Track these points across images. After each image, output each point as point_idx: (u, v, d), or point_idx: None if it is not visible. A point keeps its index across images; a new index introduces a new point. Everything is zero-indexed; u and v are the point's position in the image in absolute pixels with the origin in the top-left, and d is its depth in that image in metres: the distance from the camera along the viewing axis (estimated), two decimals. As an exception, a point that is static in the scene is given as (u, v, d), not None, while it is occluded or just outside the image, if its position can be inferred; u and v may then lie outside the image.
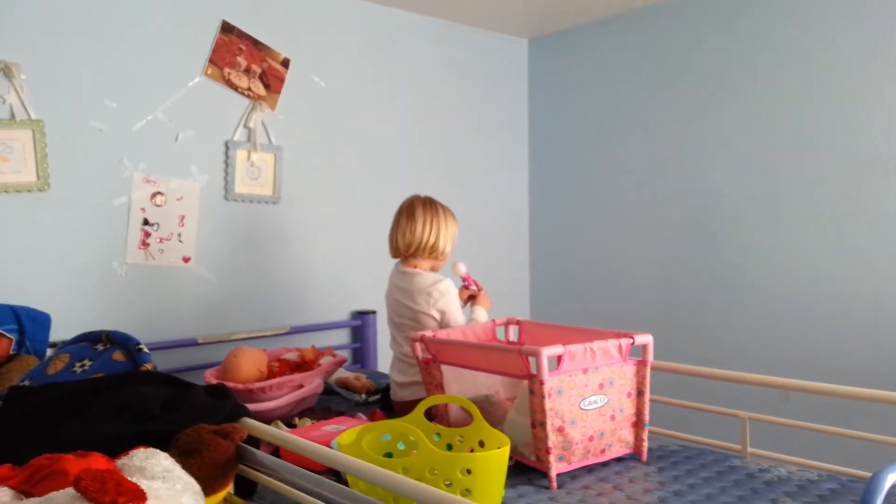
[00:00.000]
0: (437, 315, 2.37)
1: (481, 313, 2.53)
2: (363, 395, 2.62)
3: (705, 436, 2.10)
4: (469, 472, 1.41)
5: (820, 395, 1.95)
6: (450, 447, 1.69)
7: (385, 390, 2.59)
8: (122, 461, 1.27)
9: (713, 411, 2.05)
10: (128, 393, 1.53)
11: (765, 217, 3.12)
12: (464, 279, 2.57)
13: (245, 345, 2.81)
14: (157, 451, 1.30)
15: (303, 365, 2.50)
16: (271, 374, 2.39)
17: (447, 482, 1.41)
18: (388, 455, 1.67)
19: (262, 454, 1.38)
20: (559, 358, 1.75)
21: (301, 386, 2.32)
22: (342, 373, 2.81)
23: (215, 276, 2.92)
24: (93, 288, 2.63)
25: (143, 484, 1.13)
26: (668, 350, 3.29)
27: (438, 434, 1.71)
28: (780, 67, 3.06)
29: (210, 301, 2.91)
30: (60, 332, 2.49)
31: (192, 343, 2.80)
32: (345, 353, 3.31)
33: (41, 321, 2.35)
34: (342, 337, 3.34)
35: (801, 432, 1.96)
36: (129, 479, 1.21)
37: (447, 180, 3.70)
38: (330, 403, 2.56)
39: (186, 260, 2.85)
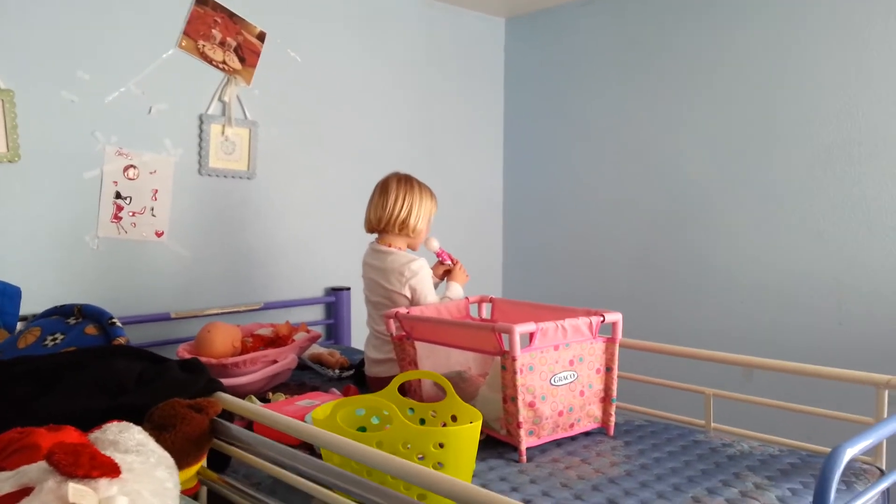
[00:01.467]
0: (408, 293, 2.38)
1: (456, 289, 2.55)
2: (336, 371, 2.64)
3: (671, 412, 2.16)
4: (442, 446, 1.44)
5: (781, 373, 2.01)
6: (423, 422, 1.72)
7: (359, 366, 2.61)
8: (94, 435, 1.27)
9: (678, 387, 2.10)
10: (101, 367, 1.53)
11: (733, 200, 3.18)
12: (438, 255, 2.59)
13: (218, 320, 2.82)
14: (131, 424, 1.30)
15: (277, 340, 2.51)
16: (245, 350, 2.39)
17: (420, 456, 1.44)
18: (362, 429, 1.69)
19: (236, 428, 1.39)
20: (531, 335, 1.78)
21: (275, 361, 2.33)
22: (316, 348, 2.82)
23: (189, 251, 2.91)
24: (64, 261, 2.61)
25: (118, 458, 1.13)
26: (637, 329, 3.36)
27: (412, 409, 1.73)
28: (751, 52, 3.09)
29: (183, 276, 2.90)
30: (31, 305, 2.47)
31: (164, 318, 2.79)
32: (318, 330, 3.32)
33: (10, 294, 2.32)
34: (316, 313, 3.35)
35: (762, 409, 2.01)
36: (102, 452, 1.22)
37: (422, 158, 3.70)
38: (304, 379, 2.57)
39: (159, 234, 2.83)
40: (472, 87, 3.96)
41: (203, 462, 1.44)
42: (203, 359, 2.25)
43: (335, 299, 3.32)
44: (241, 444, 1.38)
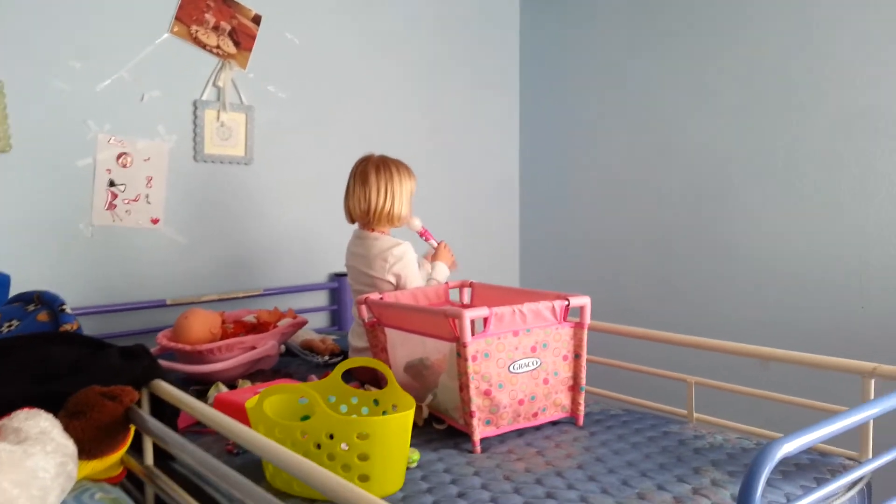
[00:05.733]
0: (392, 280, 2.32)
1: (442, 269, 2.48)
2: (325, 357, 2.60)
3: (665, 402, 2.02)
4: (366, 436, 1.37)
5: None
6: (367, 412, 1.66)
7: (349, 352, 2.56)
8: (2, 422, 1.25)
9: (658, 374, 1.98)
10: (34, 353, 1.52)
11: (751, 176, 2.99)
12: (420, 234, 2.52)
13: (216, 307, 2.82)
14: (40, 412, 1.28)
15: (259, 327, 2.48)
16: (225, 336, 2.37)
17: (344, 445, 1.37)
18: (307, 418, 1.64)
19: (149, 419, 1.35)
20: (485, 320, 1.70)
21: (253, 348, 2.30)
22: (309, 334, 2.79)
23: (185, 238, 2.91)
24: (58, 250, 2.63)
25: (6, 448, 1.11)
26: (656, 315, 3.24)
27: (356, 397, 1.67)
28: (767, 18, 2.89)
29: (180, 263, 2.90)
30: (25, 293, 2.51)
31: (161, 304, 2.80)
32: (322, 316, 3.30)
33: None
34: (320, 299, 3.32)
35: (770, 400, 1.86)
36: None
37: (432, 140, 3.62)
38: (289, 365, 2.54)
39: (155, 221, 2.84)
40: (485, 66, 3.85)
41: (123, 450, 1.41)
42: (179, 345, 2.25)
43: (338, 285, 3.28)
44: (155, 436, 1.34)
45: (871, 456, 1.57)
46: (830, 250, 2.76)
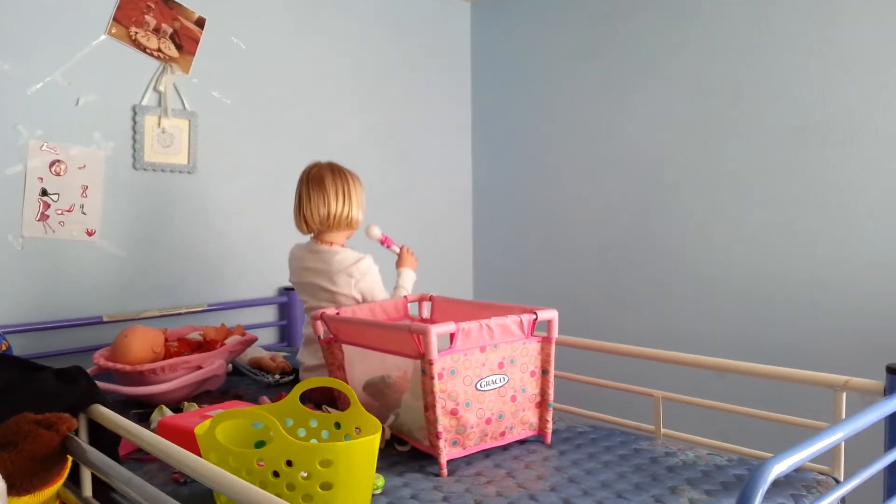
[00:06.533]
0: (358, 296, 2.22)
1: (408, 275, 2.40)
2: (276, 376, 2.48)
3: (630, 417, 1.98)
4: (329, 463, 1.27)
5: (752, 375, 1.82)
6: (327, 436, 1.56)
7: (301, 370, 2.45)
8: (-80, 457, 1.12)
9: (625, 389, 1.94)
10: (-42, 378, 1.38)
11: (702, 188, 3.01)
12: (381, 242, 2.44)
13: (158, 324, 2.66)
14: (-37, 445, 1.15)
15: (205, 345, 2.35)
16: (168, 355, 2.23)
17: (304, 474, 1.27)
18: (261, 444, 1.53)
19: (89, 450, 1.23)
20: (451, 335, 1.62)
21: (199, 367, 2.17)
22: (258, 352, 2.66)
23: (123, 251, 2.74)
24: (-16, 263, 2.45)
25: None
26: (611, 329, 3.21)
27: (315, 420, 1.57)
28: (717, 32, 2.92)
29: (117, 277, 2.73)
30: (-54, 310, 2.33)
31: (97, 321, 2.63)
32: (271, 331, 3.17)
33: (-83, 299, 2.17)
34: (268, 314, 3.19)
35: (731, 414, 1.83)
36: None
37: (384, 150, 3.54)
38: (238, 385, 2.41)
39: (91, 233, 2.67)
40: (437, 75, 3.79)
41: (60, 483, 1.27)
42: (118, 365, 2.11)
43: (287, 299, 3.16)
44: (96, 468, 1.22)
45: (842, 468, 1.55)
46: (782, 261, 2.78)
